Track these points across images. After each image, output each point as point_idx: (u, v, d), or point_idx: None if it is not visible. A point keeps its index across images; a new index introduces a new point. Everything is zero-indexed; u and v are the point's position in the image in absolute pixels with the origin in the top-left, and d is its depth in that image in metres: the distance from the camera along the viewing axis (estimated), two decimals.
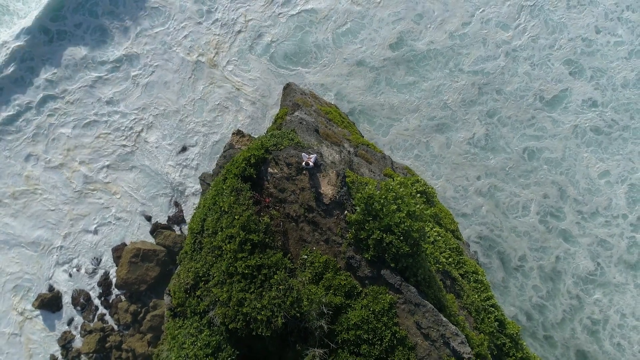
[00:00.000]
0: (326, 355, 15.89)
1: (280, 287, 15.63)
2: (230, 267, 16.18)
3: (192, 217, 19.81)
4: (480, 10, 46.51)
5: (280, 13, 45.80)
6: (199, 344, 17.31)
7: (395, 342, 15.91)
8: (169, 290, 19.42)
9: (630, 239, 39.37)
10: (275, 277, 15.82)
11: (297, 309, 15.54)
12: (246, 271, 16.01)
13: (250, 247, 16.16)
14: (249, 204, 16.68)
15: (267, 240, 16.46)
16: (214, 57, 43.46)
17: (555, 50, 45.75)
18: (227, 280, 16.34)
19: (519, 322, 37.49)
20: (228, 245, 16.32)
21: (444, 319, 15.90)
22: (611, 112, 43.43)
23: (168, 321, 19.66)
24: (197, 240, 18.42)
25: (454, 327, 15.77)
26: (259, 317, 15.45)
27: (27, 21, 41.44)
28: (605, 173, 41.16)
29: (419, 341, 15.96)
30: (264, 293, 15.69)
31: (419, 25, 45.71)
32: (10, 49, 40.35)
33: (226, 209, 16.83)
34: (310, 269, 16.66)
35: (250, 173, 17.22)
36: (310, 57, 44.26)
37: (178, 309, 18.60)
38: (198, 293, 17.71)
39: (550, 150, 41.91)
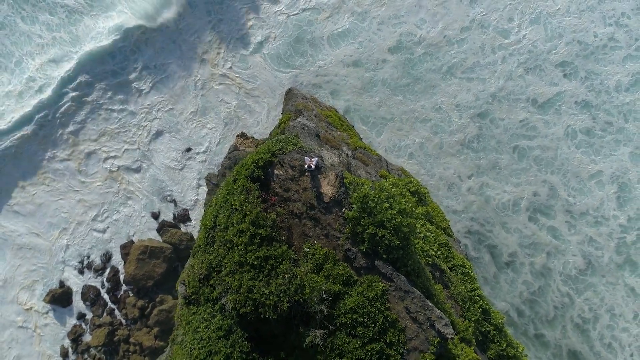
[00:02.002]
0: (326, 335, 18.47)
1: (286, 275, 18.18)
2: (241, 258, 18.71)
3: (205, 214, 22.40)
4: (480, 15, 49.00)
5: (282, 13, 48.34)
6: (212, 328, 19.85)
7: (387, 324, 18.44)
8: (184, 281, 22.01)
9: (620, 240, 41.92)
10: (281, 266, 18.37)
11: (300, 294, 18.08)
12: (255, 262, 18.55)
13: (259, 240, 18.70)
14: (257, 202, 19.24)
15: (273, 234, 19.01)
16: (217, 57, 46.05)
17: (552, 55, 48.30)
18: (238, 270, 18.88)
19: (511, 318, 40.06)
20: (239, 239, 18.86)
21: (430, 304, 18.49)
22: (604, 114, 46.01)
23: (182, 309, 22.24)
24: (209, 235, 20.99)
25: (439, 311, 18.35)
26: (267, 302, 18.01)
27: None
28: (597, 174, 43.76)
29: (408, 324, 18.56)
30: (271, 281, 18.24)
31: (419, 29, 48.26)
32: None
33: (237, 207, 19.38)
34: (312, 260, 19.20)
35: (259, 174, 19.79)
36: (309, 57, 46.82)
37: (192, 297, 21.17)
38: (211, 282, 20.29)
39: (542, 150, 44.49)
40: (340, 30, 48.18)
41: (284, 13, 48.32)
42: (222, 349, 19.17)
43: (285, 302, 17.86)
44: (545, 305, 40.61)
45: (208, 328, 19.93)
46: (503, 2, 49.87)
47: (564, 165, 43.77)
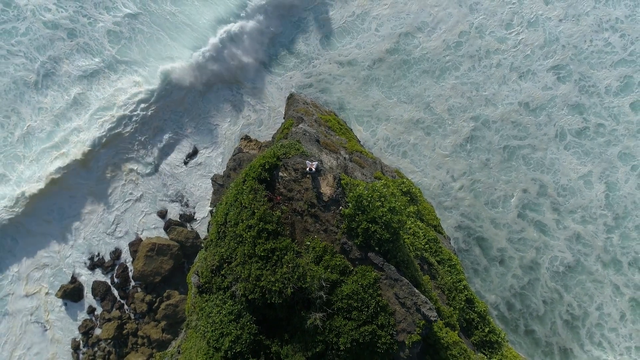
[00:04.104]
0: (324, 318, 21.69)
1: (290, 265, 21.42)
2: (250, 250, 21.98)
3: (215, 211, 25.64)
4: (479, 20, 51.78)
5: (284, 12, 51.24)
6: (223, 313, 23.07)
7: (378, 309, 21.61)
8: (197, 271, 25.28)
9: (608, 240, 44.94)
10: (286, 257, 21.61)
11: (302, 282, 21.29)
12: (263, 253, 21.78)
13: (266, 234, 21.93)
14: (264, 200, 22.50)
15: (278, 229, 22.24)
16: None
17: (547, 59, 51.21)
18: (248, 261, 22.13)
19: (501, 313, 43.19)
20: (248, 233, 22.11)
21: (417, 290, 21.72)
22: (594, 117, 48.97)
23: (195, 297, 25.50)
24: (221, 230, 24.23)
25: (424, 296, 21.58)
26: (273, 288, 21.26)
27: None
28: (586, 174, 46.64)
29: (397, 308, 21.80)
30: (276, 270, 21.49)
31: (419, 32, 51.12)
32: None
33: (246, 205, 22.64)
34: (312, 252, 22.42)
35: (265, 176, 23.05)
36: (307, 57, 49.74)
37: (205, 286, 24.43)
38: (222, 272, 23.54)
39: (533, 151, 47.56)
40: (339, 30, 50.87)
41: (287, 13, 51.01)
42: (232, 331, 22.41)
43: (289, 288, 21.11)
44: (535, 300, 43.77)
45: (220, 313, 23.16)
46: (503, 6, 52.49)
47: (554, 165, 46.87)
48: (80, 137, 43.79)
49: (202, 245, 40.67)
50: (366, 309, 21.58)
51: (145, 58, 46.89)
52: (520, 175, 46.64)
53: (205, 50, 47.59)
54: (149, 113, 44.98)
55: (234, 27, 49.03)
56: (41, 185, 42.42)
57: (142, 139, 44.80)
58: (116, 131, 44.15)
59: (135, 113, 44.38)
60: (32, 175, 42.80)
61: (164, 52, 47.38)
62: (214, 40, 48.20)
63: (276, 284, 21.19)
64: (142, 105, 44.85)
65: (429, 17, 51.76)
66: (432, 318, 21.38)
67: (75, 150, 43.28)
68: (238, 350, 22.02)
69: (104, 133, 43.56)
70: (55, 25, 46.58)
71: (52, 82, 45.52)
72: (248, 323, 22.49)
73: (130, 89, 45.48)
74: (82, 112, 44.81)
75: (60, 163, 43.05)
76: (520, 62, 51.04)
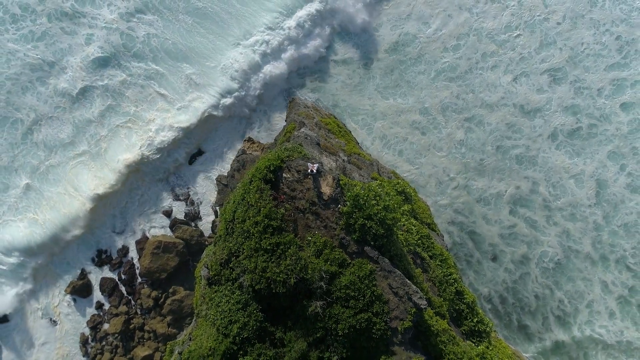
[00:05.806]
0: (324, 307, 24.50)
1: (293, 258, 24.20)
2: (257, 245, 24.80)
3: (224, 209, 28.45)
4: (479, 23, 54.21)
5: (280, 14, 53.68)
6: (231, 302, 25.85)
7: (374, 298, 24.36)
8: (207, 264, 28.10)
9: (596, 238, 47.60)
10: (289, 251, 24.40)
11: (304, 273, 24.14)
12: (268, 247, 24.57)
13: (271, 230, 24.72)
14: (269, 199, 25.30)
15: (282, 225, 25.02)
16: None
17: (543, 62, 53.73)
18: (254, 254, 24.93)
19: (494, 306, 45.99)
20: (255, 229, 24.89)
21: (408, 281, 24.55)
22: (587, 118, 51.54)
23: (205, 288, 28.32)
24: (229, 227, 27.04)
25: (414, 286, 24.40)
26: (277, 279, 24.07)
27: None
28: (577, 173, 49.35)
29: (390, 297, 24.63)
30: (281, 262, 24.29)
31: (418, 33, 53.52)
32: None
33: (252, 203, 25.45)
34: (313, 246, 25.20)
35: (270, 177, 25.87)
36: (303, 56, 52.20)
37: (214, 278, 27.25)
38: (231, 265, 26.34)
39: (527, 150, 50.25)
40: (339, 30, 53.22)
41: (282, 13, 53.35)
42: (240, 319, 25.18)
43: (292, 279, 23.91)
44: (527, 295, 46.59)
45: (228, 302, 25.94)
46: (502, 9, 54.65)
47: (547, 164, 49.63)
48: (114, 157, 46.00)
49: (207, 243, 43.60)
50: (362, 298, 24.33)
51: (171, 70, 48.83)
52: (513, 174, 49.40)
53: (240, 87, 48.78)
54: (180, 137, 47.35)
55: (267, 47, 49.78)
56: (81, 230, 44.81)
57: (158, 155, 47.02)
58: (146, 156, 46.37)
59: (165, 139, 46.64)
60: (56, 181, 45.14)
61: (189, 59, 49.24)
62: (255, 78, 49.03)
63: (280, 275, 24.00)
64: (173, 131, 46.99)
65: (428, 18, 54.11)
66: (422, 306, 24.20)
67: (114, 174, 45.54)
68: (245, 336, 24.78)
69: (139, 158, 45.70)
70: (73, 30, 49.08)
71: (68, 84, 47.92)
72: (254, 311, 25.23)
73: (161, 116, 47.29)
74: (104, 123, 47.27)
75: (100, 190, 45.16)
76: (517, 65, 53.42)
